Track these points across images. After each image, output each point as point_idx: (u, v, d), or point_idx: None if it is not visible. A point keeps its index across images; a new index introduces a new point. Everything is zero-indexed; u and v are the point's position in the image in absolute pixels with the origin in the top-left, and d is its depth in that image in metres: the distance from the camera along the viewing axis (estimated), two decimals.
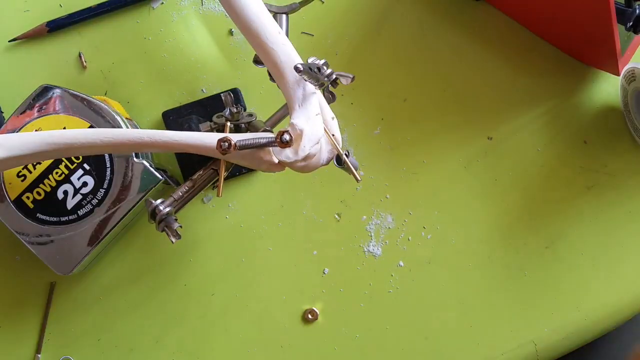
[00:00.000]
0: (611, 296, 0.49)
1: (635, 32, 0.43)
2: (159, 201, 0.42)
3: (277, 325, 0.50)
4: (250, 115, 0.45)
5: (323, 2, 0.51)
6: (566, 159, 0.50)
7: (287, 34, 0.44)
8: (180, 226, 0.42)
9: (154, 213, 0.42)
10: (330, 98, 0.41)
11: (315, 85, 0.39)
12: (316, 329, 0.50)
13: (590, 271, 0.49)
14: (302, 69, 0.37)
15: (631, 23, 0.43)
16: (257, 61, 0.45)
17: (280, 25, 0.44)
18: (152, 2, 0.50)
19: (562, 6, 0.44)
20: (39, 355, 0.49)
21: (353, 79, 0.40)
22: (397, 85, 0.50)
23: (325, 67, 0.39)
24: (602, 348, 0.70)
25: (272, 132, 0.43)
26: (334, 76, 0.40)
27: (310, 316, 0.50)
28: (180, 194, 0.43)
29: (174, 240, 0.42)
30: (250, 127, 0.43)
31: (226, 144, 0.35)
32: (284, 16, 0.45)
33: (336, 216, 0.50)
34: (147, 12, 0.50)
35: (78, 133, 0.37)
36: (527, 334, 0.49)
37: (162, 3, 0.50)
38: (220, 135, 0.37)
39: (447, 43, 0.50)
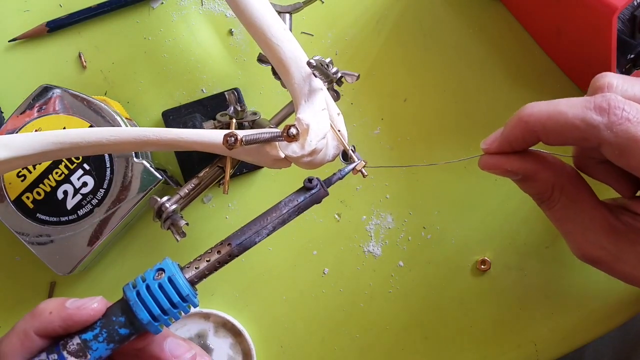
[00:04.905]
0: (611, 296, 0.49)
1: (635, 66, 0.42)
2: (165, 198, 0.42)
3: (277, 325, 0.50)
4: (255, 114, 0.45)
5: (323, 2, 0.51)
6: (566, 158, 0.49)
7: (290, 30, 0.44)
8: (187, 223, 0.42)
9: (160, 211, 0.41)
10: (335, 96, 0.42)
11: (324, 82, 0.40)
12: (317, 329, 0.50)
13: (590, 271, 0.49)
14: (314, 64, 0.37)
15: (632, 56, 0.42)
16: (261, 60, 0.45)
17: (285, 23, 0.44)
18: (152, 2, 0.50)
19: (567, 19, 0.43)
20: None
21: (358, 77, 0.40)
22: (397, 85, 0.50)
23: (330, 65, 0.39)
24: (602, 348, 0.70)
25: (277, 128, 0.43)
26: (339, 74, 0.40)
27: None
28: (187, 191, 0.43)
29: (179, 238, 0.42)
30: (255, 126, 0.43)
31: (232, 138, 0.35)
32: (287, 15, 0.45)
33: (336, 216, 0.50)
34: (147, 12, 0.50)
35: (83, 132, 0.37)
36: (527, 334, 0.49)
37: (162, 3, 0.50)
38: (226, 131, 0.37)
39: (448, 43, 0.50)
